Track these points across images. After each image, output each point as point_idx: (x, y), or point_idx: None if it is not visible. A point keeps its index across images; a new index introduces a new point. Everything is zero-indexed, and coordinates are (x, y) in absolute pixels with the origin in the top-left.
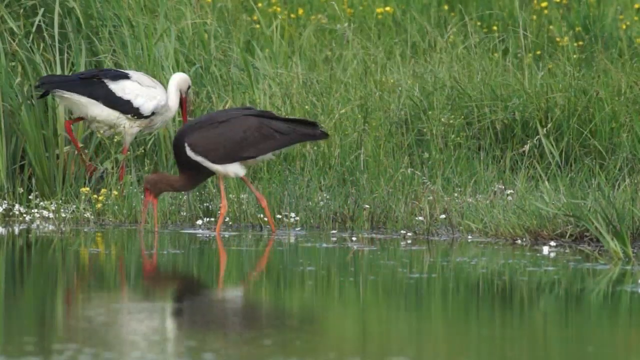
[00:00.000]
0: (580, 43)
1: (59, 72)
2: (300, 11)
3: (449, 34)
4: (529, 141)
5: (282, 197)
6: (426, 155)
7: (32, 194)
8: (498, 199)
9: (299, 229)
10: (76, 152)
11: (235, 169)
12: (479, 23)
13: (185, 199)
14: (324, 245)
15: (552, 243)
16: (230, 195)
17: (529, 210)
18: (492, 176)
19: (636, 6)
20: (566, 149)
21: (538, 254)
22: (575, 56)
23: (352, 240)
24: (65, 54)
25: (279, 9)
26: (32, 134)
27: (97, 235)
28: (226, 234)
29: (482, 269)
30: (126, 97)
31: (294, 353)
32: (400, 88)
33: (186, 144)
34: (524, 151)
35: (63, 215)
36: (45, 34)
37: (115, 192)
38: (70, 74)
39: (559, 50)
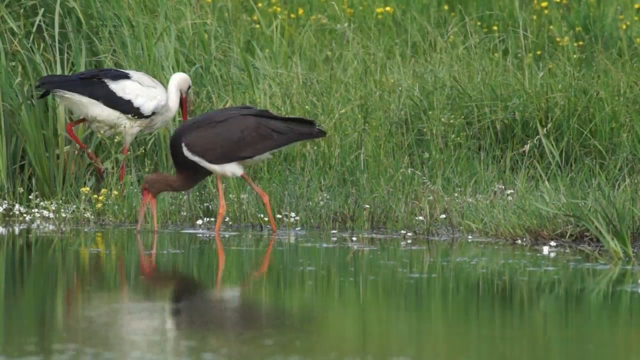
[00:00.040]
0: (580, 43)
1: (59, 72)
2: (300, 11)
3: (449, 34)
4: (529, 141)
5: (282, 197)
6: (426, 155)
7: (32, 194)
8: (498, 199)
9: (299, 228)
10: (83, 152)
11: (232, 169)
12: (479, 23)
13: (185, 199)
14: (324, 245)
15: (552, 243)
16: (230, 195)
17: (529, 210)
18: (492, 176)
19: (636, 6)
20: (566, 149)
21: (538, 254)
22: (575, 56)
23: (352, 240)
24: (65, 54)
25: (279, 9)
26: (32, 134)
27: (97, 235)
28: (226, 234)
29: (482, 269)
30: (127, 97)
31: (294, 353)
32: (400, 88)
33: (183, 144)
34: (524, 151)
35: (63, 215)
36: (45, 34)
37: (115, 192)
38: (70, 74)
39: (559, 50)
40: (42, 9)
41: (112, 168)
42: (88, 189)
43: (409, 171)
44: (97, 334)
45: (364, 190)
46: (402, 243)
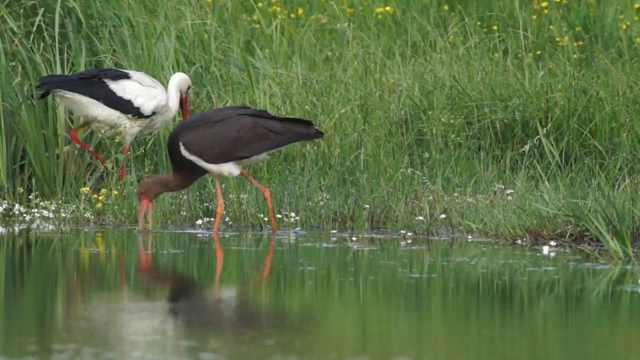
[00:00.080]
0: (580, 43)
1: (59, 72)
2: (300, 11)
3: (449, 34)
4: (529, 141)
5: (282, 197)
6: (426, 155)
7: (32, 194)
8: (498, 199)
9: (299, 228)
10: (83, 152)
11: (229, 169)
12: (479, 23)
13: (185, 199)
14: (324, 245)
15: (552, 243)
16: (230, 195)
17: (529, 210)
18: (492, 176)
19: (636, 6)
20: (566, 149)
21: (538, 254)
22: (575, 56)
23: (352, 240)
24: (65, 54)
25: (279, 8)
26: (32, 134)
27: (97, 235)
28: (226, 234)
29: (482, 269)
30: (127, 97)
31: (294, 353)
32: (400, 88)
33: (181, 143)
34: (524, 151)
35: (63, 215)
36: (45, 34)
37: (115, 192)
38: (70, 74)
39: (559, 50)
40: (42, 9)
41: (112, 168)
42: (88, 189)
43: (409, 171)
44: (97, 334)
45: (364, 190)
46: (402, 243)
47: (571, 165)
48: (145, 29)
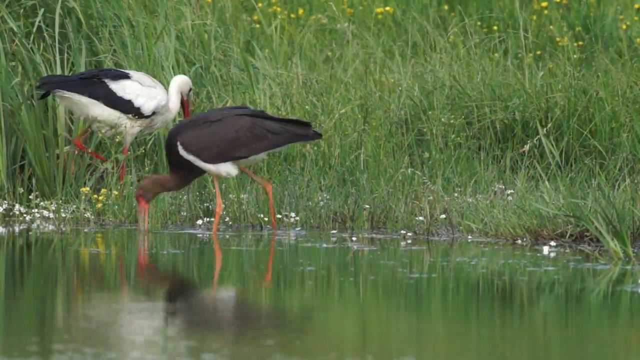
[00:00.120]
0: (580, 43)
1: (59, 72)
2: (300, 11)
3: (449, 34)
4: (529, 141)
5: (282, 197)
6: (426, 155)
7: (32, 194)
8: (498, 199)
9: (299, 229)
10: (83, 152)
11: (227, 169)
12: (479, 23)
13: (185, 199)
14: (324, 245)
15: (552, 243)
16: (230, 195)
17: (529, 210)
18: (492, 176)
19: (636, 6)
20: (566, 149)
21: (538, 254)
22: (575, 56)
23: (352, 240)
24: (65, 54)
25: (279, 9)
26: (32, 134)
27: (97, 235)
28: (227, 234)
29: (482, 269)
30: (127, 97)
31: (294, 353)
32: (400, 88)
33: (178, 143)
34: (524, 151)
35: (63, 215)
36: (45, 34)
37: (115, 192)
38: (70, 74)
39: (559, 50)
40: (42, 9)
41: (112, 168)
42: (88, 189)
43: (409, 171)
44: (97, 334)
45: (364, 190)
46: (402, 243)
47: (571, 165)
48: (145, 29)
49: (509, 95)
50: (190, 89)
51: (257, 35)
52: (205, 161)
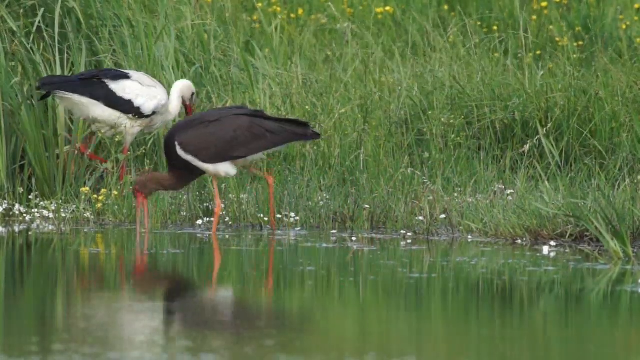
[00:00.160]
0: (580, 43)
1: (58, 72)
2: (300, 11)
3: (449, 34)
4: (529, 141)
5: (282, 197)
6: (426, 155)
7: (32, 194)
8: (498, 199)
9: (299, 228)
10: (83, 153)
11: (225, 169)
12: (479, 23)
13: (185, 199)
14: (324, 245)
15: (552, 243)
16: (230, 195)
17: (529, 210)
18: (492, 176)
19: (636, 6)
20: (566, 149)
21: (538, 254)
22: (575, 56)
23: (352, 240)
24: (65, 54)
25: (279, 8)
26: (32, 134)
27: (97, 235)
28: (227, 235)
29: (482, 269)
30: (127, 97)
31: (294, 353)
32: (400, 88)
33: (177, 143)
34: (524, 151)
35: (63, 215)
36: (45, 34)
37: (115, 192)
38: (70, 74)
39: (559, 50)
40: (42, 9)
41: (112, 168)
42: (88, 189)
43: (409, 171)
44: (97, 334)
45: (364, 190)
46: (402, 243)
47: (571, 165)
48: (145, 29)
49: (508, 95)
50: (193, 94)
51: (257, 35)
52: (204, 161)
